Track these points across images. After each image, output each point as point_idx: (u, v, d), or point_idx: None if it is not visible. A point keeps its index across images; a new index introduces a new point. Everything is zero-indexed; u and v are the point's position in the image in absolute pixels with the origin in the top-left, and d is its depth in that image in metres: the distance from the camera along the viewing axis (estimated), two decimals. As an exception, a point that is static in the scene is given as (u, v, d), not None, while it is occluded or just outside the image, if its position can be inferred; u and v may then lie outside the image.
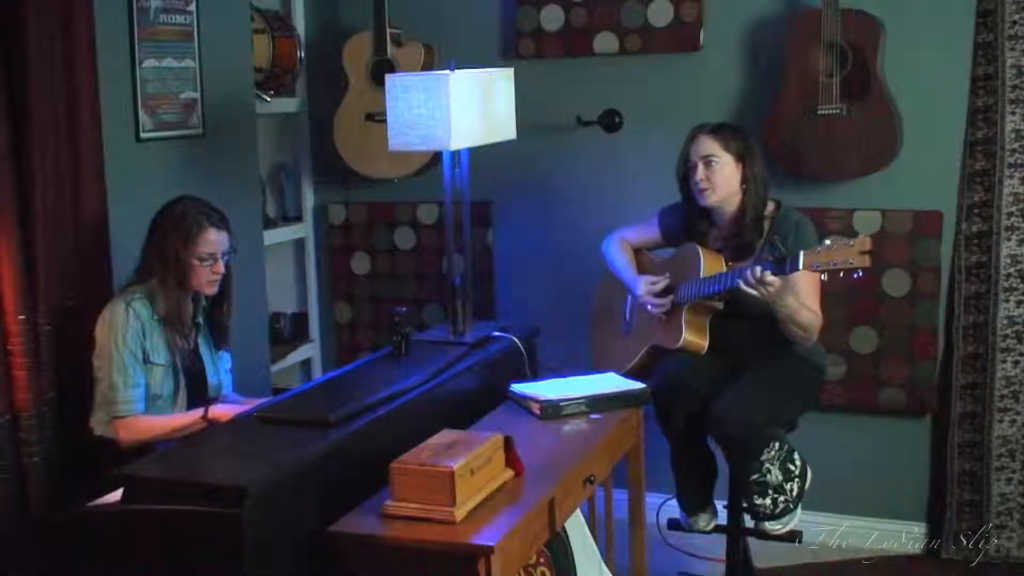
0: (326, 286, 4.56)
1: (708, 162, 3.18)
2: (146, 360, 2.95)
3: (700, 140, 3.22)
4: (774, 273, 2.93)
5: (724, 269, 3.16)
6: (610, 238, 3.55)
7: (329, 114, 4.24)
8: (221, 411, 2.96)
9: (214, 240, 2.99)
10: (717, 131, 3.22)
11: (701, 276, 3.17)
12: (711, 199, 3.21)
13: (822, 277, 2.92)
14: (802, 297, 3.08)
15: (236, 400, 3.23)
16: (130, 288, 3.00)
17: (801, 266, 2.88)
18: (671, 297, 3.27)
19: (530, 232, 4.23)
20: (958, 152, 3.64)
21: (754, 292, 2.96)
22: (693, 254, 3.23)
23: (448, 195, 3.46)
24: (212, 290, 3.05)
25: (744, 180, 3.19)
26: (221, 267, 3.03)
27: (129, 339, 2.91)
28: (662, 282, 3.30)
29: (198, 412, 2.94)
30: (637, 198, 3.92)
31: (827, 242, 2.87)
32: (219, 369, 3.18)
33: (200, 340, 3.14)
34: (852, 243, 2.83)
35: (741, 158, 3.19)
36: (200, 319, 3.13)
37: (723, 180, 3.19)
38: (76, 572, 2.44)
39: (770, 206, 3.25)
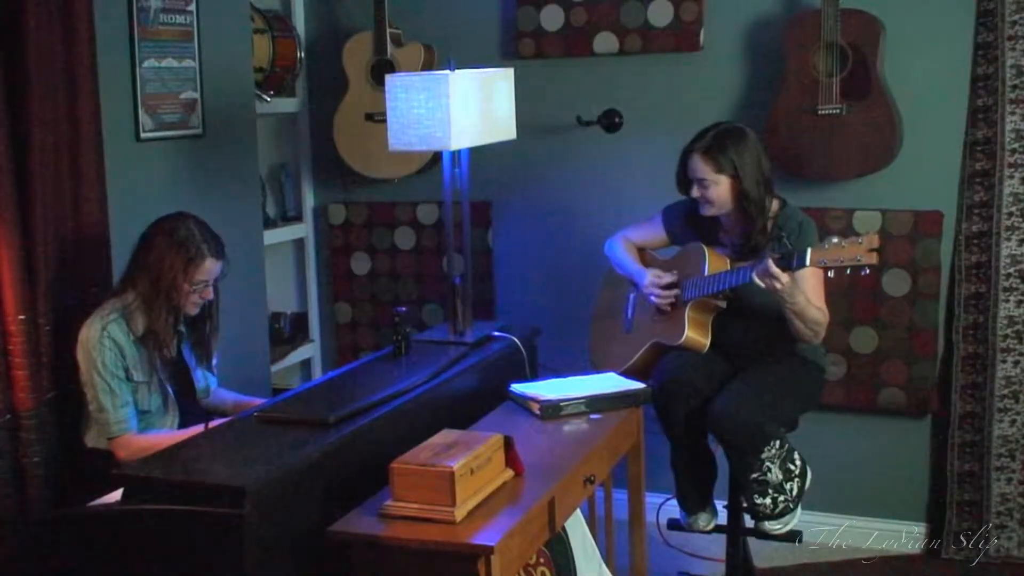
0: (326, 286, 4.56)
1: (702, 183, 3.19)
2: (128, 379, 2.94)
3: (692, 161, 3.20)
4: (782, 269, 2.94)
5: (728, 268, 3.16)
6: (613, 238, 3.54)
7: (329, 114, 4.24)
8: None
9: (211, 269, 3.00)
10: (708, 151, 3.16)
11: (706, 275, 3.17)
12: (711, 211, 3.23)
13: (829, 274, 2.93)
14: (808, 295, 3.08)
15: (235, 399, 3.23)
16: (107, 303, 2.97)
17: (808, 262, 2.89)
18: (676, 291, 3.27)
19: (530, 232, 4.23)
20: (958, 152, 3.64)
21: (762, 284, 2.97)
22: (698, 253, 3.23)
23: (448, 195, 3.46)
24: (194, 311, 3.05)
25: (738, 196, 3.17)
26: (210, 293, 3.04)
27: (108, 363, 2.89)
28: (668, 277, 3.30)
29: (198, 428, 2.93)
30: (637, 198, 3.92)
31: (835, 239, 2.88)
32: (205, 373, 3.18)
33: (183, 346, 3.13)
34: (861, 240, 2.84)
35: (734, 173, 3.16)
36: (182, 327, 3.11)
37: (719, 197, 3.18)
38: (76, 572, 2.43)
39: (774, 205, 3.24)
